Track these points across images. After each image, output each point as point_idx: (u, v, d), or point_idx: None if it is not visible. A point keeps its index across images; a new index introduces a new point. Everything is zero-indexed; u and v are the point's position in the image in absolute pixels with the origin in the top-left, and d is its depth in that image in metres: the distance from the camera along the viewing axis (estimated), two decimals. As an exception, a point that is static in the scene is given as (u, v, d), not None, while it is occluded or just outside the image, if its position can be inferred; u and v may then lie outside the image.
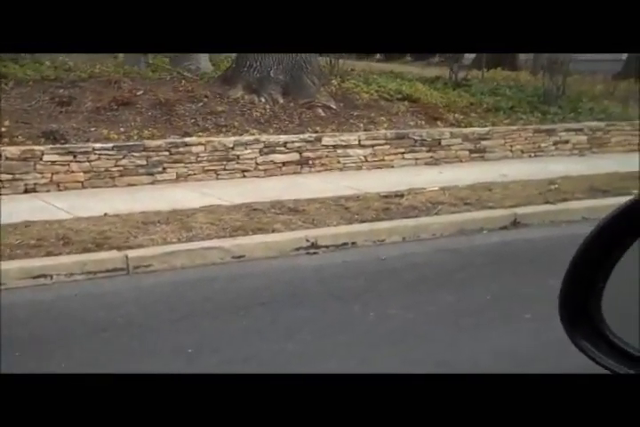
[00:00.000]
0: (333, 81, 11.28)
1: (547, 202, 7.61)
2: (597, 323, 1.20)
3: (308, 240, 6.24)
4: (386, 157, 9.59)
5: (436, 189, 8.05)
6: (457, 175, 9.00)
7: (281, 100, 10.34)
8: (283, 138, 8.99)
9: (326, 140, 9.21)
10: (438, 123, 10.55)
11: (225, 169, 8.69)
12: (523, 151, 10.53)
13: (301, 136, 9.12)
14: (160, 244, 5.94)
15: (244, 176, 8.78)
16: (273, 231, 6.36)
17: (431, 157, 9.86)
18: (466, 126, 10.67)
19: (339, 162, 9.32)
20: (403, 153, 9.69)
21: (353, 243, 6.41)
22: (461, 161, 10.05)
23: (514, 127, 10.53)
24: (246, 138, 8.83)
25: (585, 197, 7.92)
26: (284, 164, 8.98)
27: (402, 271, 5.68)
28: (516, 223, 7.16)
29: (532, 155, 10.61)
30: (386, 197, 7.64)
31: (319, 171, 9.17)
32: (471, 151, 10.14)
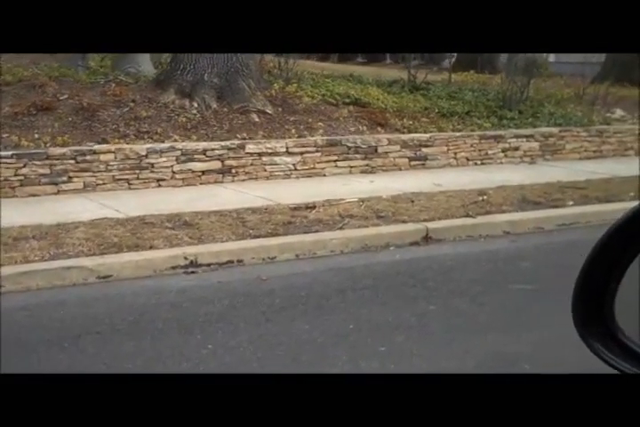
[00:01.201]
0: (275, 84, 10.78)
1: (467, 215, 7.09)
2: (610, 324, 1.17)
3: (186, 258, 5.75)
4: (317, 165, 9.09)
5: (355, 200, 7.55)
6: (388, 185, 8.51)
7: (214, 105, 9.86)
8: (202, 145, 8.51)
9: (250, 148, 8.72)
10: (379, 129, 10.04)
11: (138, 178, 8.21)
12: (468, 159, 10.01)
13: (222, 143, 8.63)
14: (19, 263, 5.46)
15: (160, 186, 8.30)
16: (151, 248, 5.87)
17: (367, 164, 9.36)
18: (410, 132, 10.16)
19: (265, 170, 8.83)
20: (335, 161, 9.19)
21: (239, 261, 5.92)
22: (400, 169, 9.55)
23: (458, 133, 10.02)
24: (161, 145, 8.35)
25: (512, 210, 7.41)
26: (203, 172, 8.50)
27: (275, 294, 5.18)
28: (427, 238, 6.65)
29: (479, 162, 10.09)
30: (295, 209, 7.15)
31: (243, 180, 8.68)
32: (411, 159, 9.63)
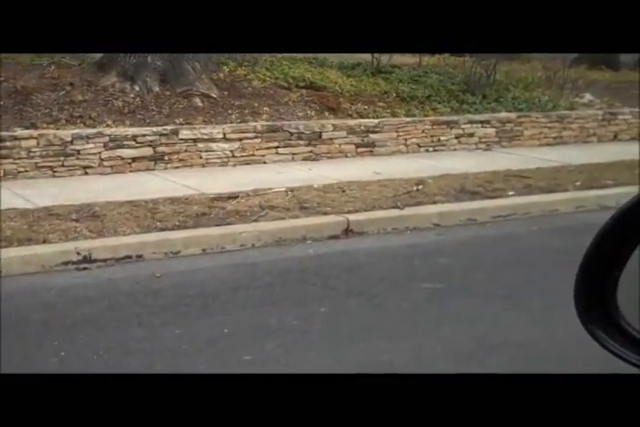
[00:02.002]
0: (226, 67, 10.39)
1: (395, 206, 6.75)
2: (612, 312, 1.16)
3: (79, 253, 5.42)
4: (256, 152, 8.74)
5: (282, 190, 7.20)
6: (326, 173, 8.16)
7: (156, 89, 9.49)
8: (131, 131, 8.16)
9: (184, 134, 8.37)
10: (328, 114, 9.67)
11: (63, 166, 7.87)
12: (419, 145, 9.65)
13: (154, 129, 8.28)
14: None
15: (86, 173, 7.96)
16: (44, 242, 5.54)
17: (310, 151, 9.01)
18: (362, 117, 9.80)
19: (200, 157, 8.48)
20: (277, 147, 8.84)
21: (138, 256, 5.59)
22: (346, 156, 9.19)
23: (408, 119, 9.65)
24: (88, 131, 7.99)
25: (446, 201, 7.07)
26: (133, 160, 8.15)
27: (161, 293, 4.86)
28: (348, 231, 6.32)
29: (431, 149, 9.73)
30: (216, 199, 6.81)
31: (177, 167, 8.33)
32: (358, 145, 9.27)
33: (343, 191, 7.21)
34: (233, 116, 9.15)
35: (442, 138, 9.77)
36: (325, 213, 6.51)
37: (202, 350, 3.99)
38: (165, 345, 4.04)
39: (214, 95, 9.61)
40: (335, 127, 9.13)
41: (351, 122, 9.29)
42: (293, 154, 8.92)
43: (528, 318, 4.47)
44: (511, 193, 7.44)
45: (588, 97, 12.60)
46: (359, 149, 9.27)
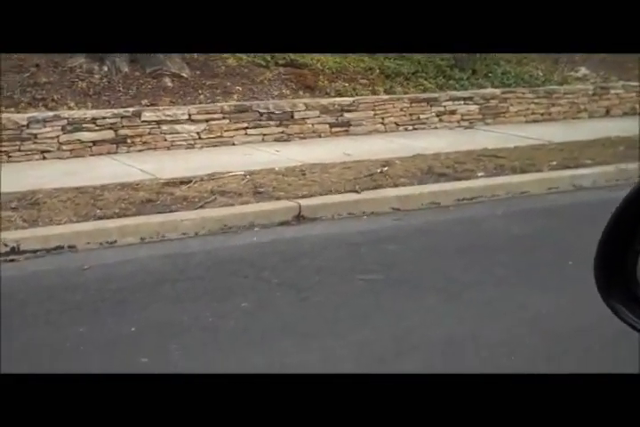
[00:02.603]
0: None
1: (352, 190, 6.45)
2: (633, 286, 1.15)
3: (6, 245, 5.19)
4: (224, 134, 8.45)
5: (241, 173, 6.92)
6: (293, 155, 7.87)
7: (125, 69, 9.21)
8: (90, 113, 7.89)
9: (147, 116, 8.09)
10: (303, 93, 9.34)
11: (20, 150, 7.63)
12: (398, 124, 9.32)
13: (115, 111, 8.01)
14: None
15: (45, 158, 7.72)
16: (-28, 233, 5.31)
17: (282, 132, 8.70)
18: (341, 96, 9.46)
19: (165, 140, 8.21)
20: (246, 128, 8.54)
21: (71, 246, 5.35)
22: (320, 136, 8.88)
23: (386, 97, 9.30)
24: (44, 114, 7.74)
25: (409, 183, 6.76)
26: (94, 143, 7.89)
27: (82, 288, 4.62)
28: (300, 217, 6.04)
29: (410, 128, 9.39)
30: (167, 184, 6.54)
31: (140, 151, 8.07)
32: (332, 125, 8.95)
33: (303, 175, 6.92)
34: (202, 96, 8.86)
35: (422, 116, 9.42)
36: (278, 199, 6.22)
37: (100, 350, 3.74)
38: (63, 346, 3.79)
39: (185, 75, 9.31)
40: (308, 106, 8.81)
41: (325, 101, 8.97)
42: (264, 135, 8.63)
43: (461, 313, 4.18)
44: (480, 174, 7.11)
45: (583, 71, 12.15)
46: (333, 129, 8.96)
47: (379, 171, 7.02)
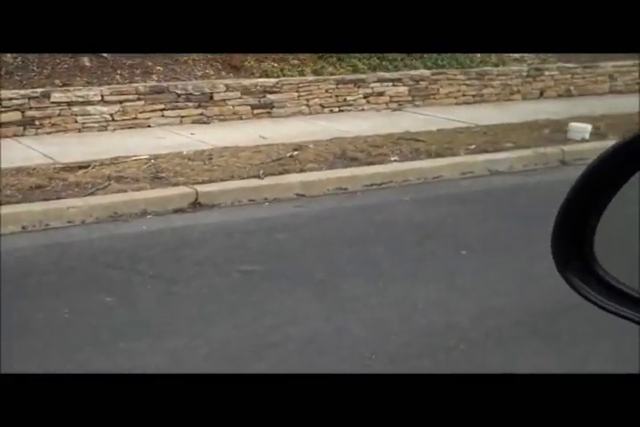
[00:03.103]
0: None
1: (256, 176, 6.22)
2: (589, 260, 1.17)
3: None
4: (139, 115, 8.16)
5: (145, 157, 6.66)
6: (207, 138, 7.61)
7: (41, 48, 8.85)
8: (-6, 94, 7.55)
9: (57, 97, 7.77)
10: (224, 73, 9.06)
11: None
12: (323, 106, 9.08)
13: (22, 92, 7.68)
14: None
15: (-53, 141, 7.37)
16: None
17: (201, 113, 8.43)
18: (269, 76, 9.19)
19: (76, 122, 7.90)
20: (162, 110, 8.25)
21: (-55, 235, 5.07)
22: (241, 118, 8.62)
23: (311, 78, 9.06)
24: (-56, 96, 7.39)
25: (318, 168, 6.55)
26: (0, 125, 7.56)
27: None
28: (196, 204, 5.80)
29: (336, 110, 9.15)
30: (63, 169, 6.26)
31: (49, 133, 7.75)
32: (254, 107, 8.69)
33: (210, 159, 6.68)
34: (119, 76, 8.55)
35: (348, 98, 9.18)
36: (176, 184, 5.98)
37: None
38: None
39: (105, 54, 8.98)
40: (228, 87, 8.54)
41: (247, 82, 8.70)
42: (182, 117, 8.35)
43: (332, 308, 3.99)
44: (394, 158, 6.91)
45: (522, 52, 11.98)
46: (255, 111, 8.70)
47: (288, 155, 6.80)
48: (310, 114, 8.97)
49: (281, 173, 6.34)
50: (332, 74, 9.43)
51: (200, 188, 5.90)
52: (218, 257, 4.76)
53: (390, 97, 9.44)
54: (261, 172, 6.28)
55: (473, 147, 7.34)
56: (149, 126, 8.19)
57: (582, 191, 1.13)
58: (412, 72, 9.66)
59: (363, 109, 9.29)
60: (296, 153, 6.86)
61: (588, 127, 7.85)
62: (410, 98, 9.56)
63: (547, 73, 10.48)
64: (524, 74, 10.32)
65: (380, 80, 9.36)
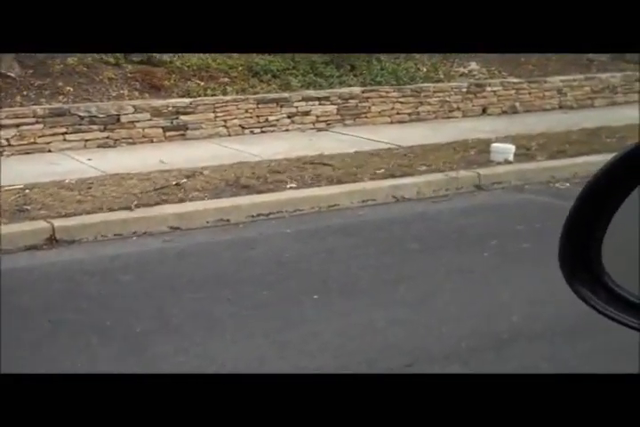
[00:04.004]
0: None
1: (126, 207, 5.74)
2: (597, 270, 1.18)
3: None
4: (39, 140, 7.71)
5: (19, 187, 6.19)
6: (105, 163, 7.15)
7: (-54, 69, 8.43)
8: None
9: (-55, 121, 7.32)
10: (137, 93, 8.61)
11: None
12: (243, 127, 8.61)
13: None
14: None
15: None
16: None
17: (107, 137, 7.97)
18: (192, 96, 8.73)
19: (-34, 147, 7.45)
20: (64, 133, 7.79)
21: None
22: (152, 141, 8.15)
23: (228, 97, 8.59)
24: None
25: (200, 198, 6.06)
26: None
27: None
28: (53, 240, 5.31)
29: (258, 130, 8.68)
30: None
31: (-62, 159, 7.30)
32: (167, 129, 8.23)
33: (89, 188, 6.21)
34: (21, 97, 8.10)
35: (270, 118, 8.72)
36: (35, 218, 5.50)
37: None
38: None
39: (13, 75, 8.55)
40: (137, 109, 8.08)
41: (156, 103, 8.24)
42: (86, 140, 7.90)
43: (126, 369, 3.49)
44: (291, 185, 6.42)
45: (472, 66, 11.52)
46: (168, 133, 8.24)
47: (175, 183, 6.32)
48: (229, 135, 8.51)
49: (157, 204, 5.86)
50: (267, 92, 8.96)
51: (59, 222, 5.42)
52: (37, 305, 4.27)
53: (317, 116, 8.97)
54: (134, 202, 5.79)
55: (382, 171, 6.85)
56: (50, 151, 7.75)
57: (588, 201, 1.13)
58: (341, 90, 9.19)
59: (287, 130, 8.83)
60: (185, 181, 6.39)
61: (512, 148, 7.35)
62: (339, 117, 9.09)
63: (489, 89, 10.00)
64: (464, 90, 9.83)
65: (305, 99, 8.89)
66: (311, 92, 9.00)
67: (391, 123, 9.37)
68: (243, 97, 8.64)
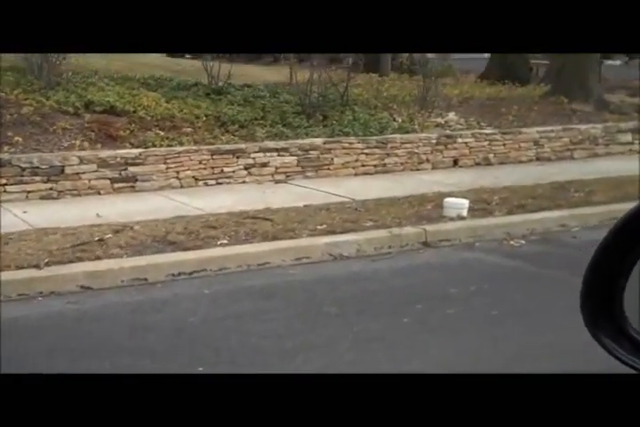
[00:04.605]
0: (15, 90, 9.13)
1: (36, 265, 5.40)
2: (620, 320, 1.18)
3: None
4: (-23, 192, 7.42)
5: None
6: (40, 216, 6.84)
7: None
8: None
9: None
10: (88, 144, 8.34)
11: None
12: (197, 178, 8.30)
13: None
14: None
15: None
16: None
17: (51, 188, 7.68)
18: (148, 147, 8.46)
19: None
20: (5, 185, 7.51)
21: None
22: (99, 193, 7.85)
23: (180, 148, 8.31)
24: None
25: (119, 255, 5.72)
26: None
27: None
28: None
29: (213, 182, 8.37)
30: None
31: None
32: (115, 180, 7.93)
33: (6, 244, 5.88)
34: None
35: (226, 169, 8.41)
36: None
37: None
38: None
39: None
40: (82, 160, 7.80)
41: (103, 153, 7.96)
42: (27, 192, 7.60)
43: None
44: (222, 242, 6.07)
45: (450, 116, 11.24)
46: (117, 185, 7.94)
47: (97, 239, 5.98)
48: (182, 187, 8.20)
49: (71, 262, 5.52)
50: (226, 143, 8.68)
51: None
52: None
53: (276, 168, 8.66)
54: (45, 260, 5.46)
55: (324, 227, 6.49)
56: (-11, 204, 7.44)
57: (609, 251, 1.13)
58: (301, 141, 8.89)
59: (244, 182, 8.51)
60: (109, 236, 6.05)
61: (465, 203, 6.98)
62: (300, 169, 8.77)
63: (460, 140, 9.67)
64: (434, 141, 9.50)
65: (263, 150, 8.58)
66: (270, 143, 8.70)
67: (356, 175, 9.04)
68: (196, 148, 8.35)
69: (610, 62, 25.79)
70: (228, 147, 8.48)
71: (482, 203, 7.42)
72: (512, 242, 6.61)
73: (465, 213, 6.93)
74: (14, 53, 8.63)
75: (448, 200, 7.01)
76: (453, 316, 4.67)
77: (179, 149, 8.28)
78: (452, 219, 6.85)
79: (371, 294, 5.19)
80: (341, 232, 6.38)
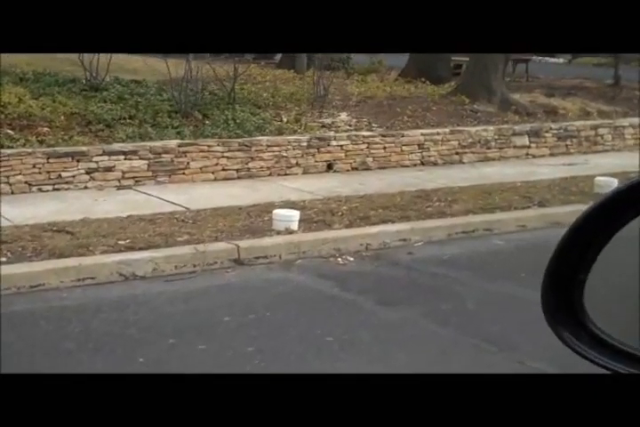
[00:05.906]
0: None
1: None
2: (579, 315, 1.19)
3: None
4: None
5: None
6: None
7: None
8: None
9: None
10: None
11: None
12: (30, 184, 7.63)
13: None
14: None
15: None
16: None
17: None
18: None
19: None
20: None
21: None
22: None
23: (10, 151, 7.63)
24: None
25: None
26: None
27: None
28: None
29: (50, 188, 7.70)
30: None
31: None
32: None
33: None
34: None
35: (64, 174, 7.74)
36: None
37: None
38: None
39: None
40: None
41: None
42: None
43: None
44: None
45: (342, 117, 10.65)
46: (-62, 191, 7.25)
47: None
48: (12, 193, 7.53)
49: None
50: (73, 145, 8.03)
51: None
52: None
53: (123, 172, 8.01)
54: None
55: (127, 241, 5.86)
56: None
57: (570, 246, 1.14)
58: (152, 143, 8.24)
59: (85, 187, 7.85)
60: None
61: (295, 215, 6.38)
62: (150, 173, 8.13)
63: (334, 143, 9.06)
64: (304, 144, 8.89)
65: (108, 153, 7.93)
66: (115, 146, 8.05)
67: (215, 180, 8.42)
68: (29, 150, 7.68)
69: (553, 60, 25.40)
70: (66, 149, 7.82)
71: (325, 214, 6.83)
72: (339, 259, 6.02)
73: (295, 225, 6.32)
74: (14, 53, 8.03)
75: (277, 212, 6.40)
76: (201, 354, 4.07)
77: (9, 151, 7.61)
78: (279, 232, 6.25)
79: (130, 324, 4.58)
80: (142, 248, 5.75)
